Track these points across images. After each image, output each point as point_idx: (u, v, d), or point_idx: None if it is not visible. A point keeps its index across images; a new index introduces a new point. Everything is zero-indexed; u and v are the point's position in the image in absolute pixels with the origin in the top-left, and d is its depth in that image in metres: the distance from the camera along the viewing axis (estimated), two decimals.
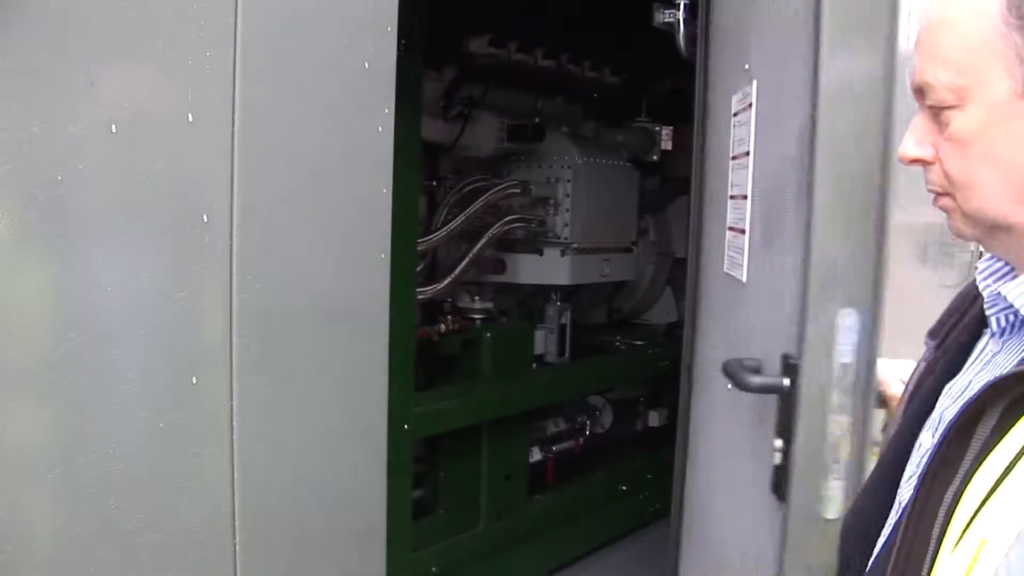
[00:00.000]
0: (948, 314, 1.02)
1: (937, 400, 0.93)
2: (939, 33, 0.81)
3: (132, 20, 1.22)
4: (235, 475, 1.38)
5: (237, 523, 1.39)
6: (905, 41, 1.35)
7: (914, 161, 0.86)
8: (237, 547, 1.39)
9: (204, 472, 1.35)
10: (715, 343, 2.12)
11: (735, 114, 1.90)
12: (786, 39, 1.57)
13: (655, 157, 4.40)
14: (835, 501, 1.41)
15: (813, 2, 1.42)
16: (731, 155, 1.93)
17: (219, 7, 1.30)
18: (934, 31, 0.82)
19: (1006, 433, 0.74)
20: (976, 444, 0.77)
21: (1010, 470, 0.72)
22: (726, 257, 1.95)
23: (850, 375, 1.40)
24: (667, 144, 4.38)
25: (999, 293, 0.85)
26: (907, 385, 1.06)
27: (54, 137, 1.16)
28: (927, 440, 0.91)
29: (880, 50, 1.37)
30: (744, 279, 1.77)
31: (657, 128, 4.39)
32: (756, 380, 1.52)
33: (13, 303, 1.17)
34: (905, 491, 0.92)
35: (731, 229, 1.91)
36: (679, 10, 2.41)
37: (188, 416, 1.32)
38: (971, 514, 0.73)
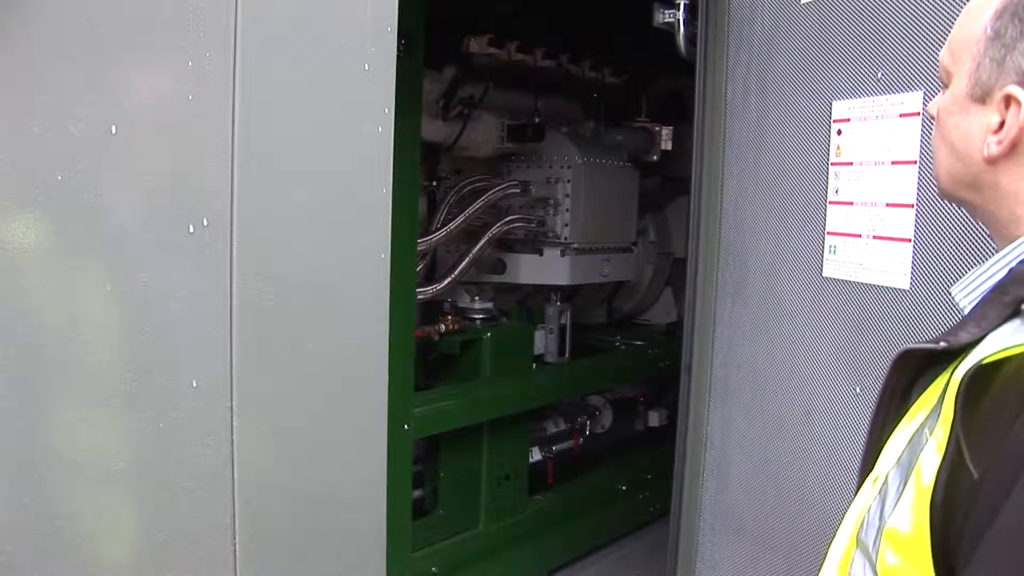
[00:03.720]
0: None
1: None
2: (960, 18, 0.89)
3: (132, 20, 1.22)
4: (235, 475, 1.38)
5: (237, 523, 1.39)
6: None
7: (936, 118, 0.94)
8: (237, 547, 1.39)
9: (204, 472, 1.35)
10: (787, 344, 2.10)
11: (843, 120, 1.93)
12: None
13: (655, 157, 4.40)
14: None
15: None
16: (834, 160, 1.95)
17: (219, 7, 1.30)
18: (962, 15, 0.89)
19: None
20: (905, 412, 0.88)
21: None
22: (831, 261, 1.97)
23: None
24: (667, 144, 4.38)
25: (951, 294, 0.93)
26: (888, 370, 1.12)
27: (54, 137, 1.16)
28: None
29: None
30: (908, 287, 1.78)
31: (657, 128, 4.39)
32: None
33: (13, 303, 1.17)
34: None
35: (841, 234, 1.94)
36: (679, 10, 2.41)
37: (188, 416, 1.32)
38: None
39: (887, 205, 1.84)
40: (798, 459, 2.07)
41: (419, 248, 3.17)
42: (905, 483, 0.77)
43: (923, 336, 1.73)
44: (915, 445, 0.79)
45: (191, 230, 1.31)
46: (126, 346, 1.26)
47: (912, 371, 0.89)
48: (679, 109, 4.19)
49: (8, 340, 1.16)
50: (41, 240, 1.18)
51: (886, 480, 0.81)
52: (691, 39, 2.39)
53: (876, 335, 1.86)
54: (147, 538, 1.30)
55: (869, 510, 0.82)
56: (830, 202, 1.98)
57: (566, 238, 3.80)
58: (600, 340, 4.42)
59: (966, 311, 0.86)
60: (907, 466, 0.78)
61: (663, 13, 2.44)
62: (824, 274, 1.98)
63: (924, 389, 0.85)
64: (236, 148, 1.33)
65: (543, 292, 3.98)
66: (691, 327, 2.40)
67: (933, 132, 0.93)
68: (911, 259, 1.78)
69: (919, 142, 1.77)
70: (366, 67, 1.51)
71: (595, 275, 4.00)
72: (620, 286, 4.60)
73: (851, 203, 1.93)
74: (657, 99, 4.52)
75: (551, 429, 4.10)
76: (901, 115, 1.80)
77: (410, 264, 2.91)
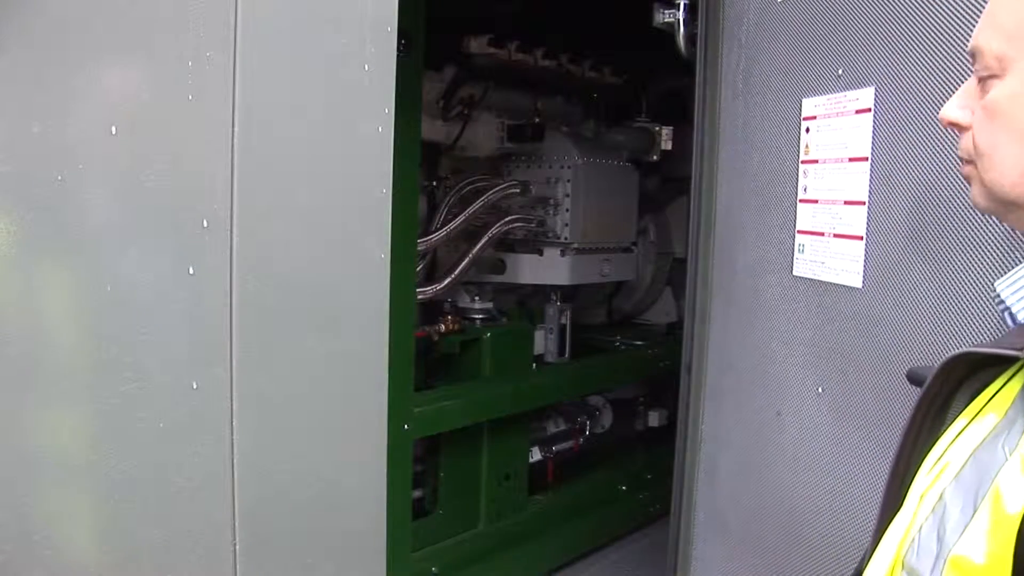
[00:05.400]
0: None
1: None
2: (1002, 1, 0.81)
3: (132, 20, 1.22)
4: (235, 475, 1.38)
5: (237, 523, 1.39)
6: None
7: (951, 124, 0.85)
8: (237, 547, 1.39)
9: (204, 472, 1.35)
10: (762, 344, 2.10)
11: (810, 117, 1.91)
12: (935, 50, 1.55)
13: (655, 157, 4.40)
14: None
15: None
16: (803, 158, 1.92)
17: (219, 7, 1.30)
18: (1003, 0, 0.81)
19: (960, 416, 0.79)
20: (948, 424, 0.82)
21: (954, 441, 0.78)
22: (800, 261, 1.95)
23: None
24: (667, 144, 4.38)
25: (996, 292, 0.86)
26: (930, 377, 1.08)
27: (54, 137, 1.16)
28: None
29: None
30: (861, 285, 1.76)
31: (657, 128, 4.39)
32: None
33: (13, 303, 1.17)
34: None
35: (808, 233, 1.92)
36: (679, 10, 2.41)
37: (188, 416, 1.32)
38: (930, 467, 0.80)
39: (844, 203, 1.83)
40: (771, 459, 2.08)
41: (419, 248, 3.17)
42: (976, 506, 0.69)
43: (877, 338, 1.72)
44: (984, 463, 0.72)
45: (191, 230, 1.31)
46: (126, 347, 1.26)
47: (958, 377, 0.82)
48: (679, 109, 4.19)
49: (7, 340, 1.16)
50: (41, 240, 1.18)
51: (941, 498, 0.74)
52: (691, 39, 2.39)
53: (835, 335, 1.85)
54: (147, 538, 1.30)
55: (921, 531, 0.75)
56: (800, 200, 1.96)
57: (566, 238, 3.80)
58: (600, 340, 4.42)
59: (1019, 313, 0.80)
60: (974, 485, 0.71)
61: (663, 13, 2.44)
62: (794, 273, 1.98)
63: (970, 397, 0.80)
64: (236, 148, 1.33)
65: (543, 292, 3.98)
66: (691, 327, 2.40)
67: (981, 131, 0.82)
68: (863, 257, 1.76)
69: (871, 138, 1.74)
70: (366, 67, 1.51)
71: (595, 275, 4.00)
72: (620, 286, 4.60)
73: (816, 201, 1.91)
74: (657, 99, 4.52)
75: (551, 429, 4.11)
76: (856, 111, 1.79)
77: (410, 264, 2.91)
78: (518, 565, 3.55)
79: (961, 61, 1.50)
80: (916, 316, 1.64)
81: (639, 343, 4.42)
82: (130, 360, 1.27)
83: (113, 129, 1.21)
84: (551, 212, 3.80)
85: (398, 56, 1.58)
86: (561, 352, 3.94)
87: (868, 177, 1.75)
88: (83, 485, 1.23)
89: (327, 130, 1.48)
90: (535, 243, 3.82)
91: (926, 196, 1.61)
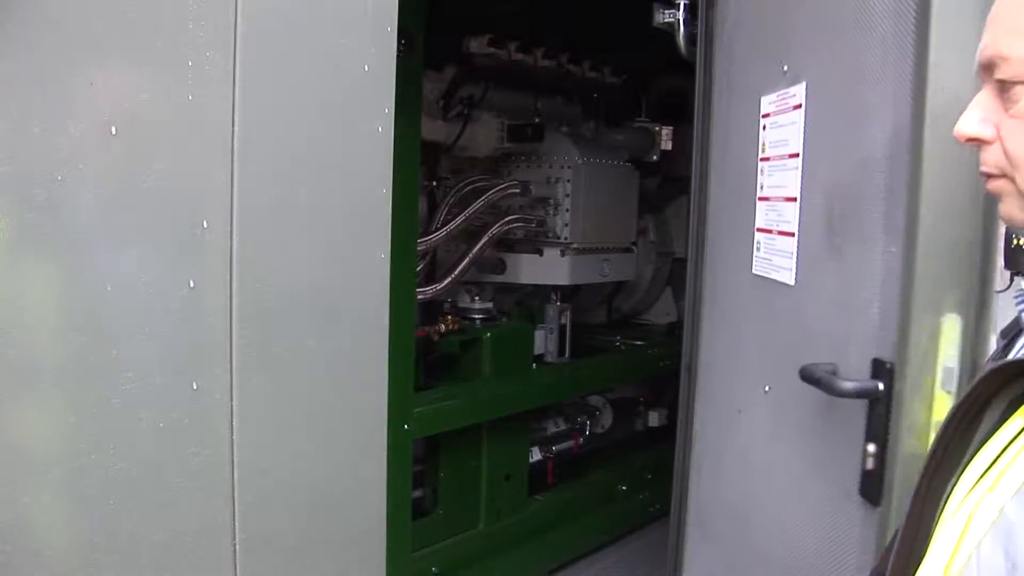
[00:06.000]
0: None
1: None
2: (1021, 5, 0.79)
3: (132, 20, 1.22)
4: (235, 475, 1.38)
5: (237, 523, 1.39)
6: None
7: (971, 140, 0.83)
8: (237, 547, 1.39)
9: (204, 472, 1.35)
10: (734, 343, 2.11)
11: (766, 115, 1.89)
12: (859, 42, 1.55)
13: (655, 157, 4.41)
14: None
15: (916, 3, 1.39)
16: (761, 156, 1.91)
17: (219, 7, 1.30)
18: (1016, 3, 0.79)
19: (1008, 422, 0.75)
20: (981, 433, 0.78)
21: (1004, 451, 0.74)
22: (757, 259, 1.94)
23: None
24: (667, 144, 4.38)
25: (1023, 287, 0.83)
26: (973, 382, 1.05)
27: (54, 137, 1.16)
28: None
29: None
30: (793, 282, 1.75)
31: (657, 128, 4.39)
32: (850, 385, 1.50)
33: (13, 303, 1.17)
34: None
35: (763, 231, 1.90)
36: (679, 10, 2.41)
37: (188, 416, 1.32)
38: (968, 488, 0.74)
39: (784, 199, 1.82)
40: (728, 457, 2.11)
41: (419, 248, 3.17)
42: None
43: (804, 335, 1.72)
44: None
45: (191, 231, 1.31)
46: (126, 347, 1.26)
47: (992, 390, 0.79)
48: (679, 109, 4.19)
49: (7, 340, 1.16)
50: (41, 240, 1.18)
51: (1002, 512, 0.71)
52: (691, 39, 2.39)
53: (778, 333, 1.86)
54: (147, 538, 1.30)
55: (980, 549, 0.71)
56: (758, 198, 1.96)
57: (566, 238, 3.80)
58: (600, 340, 4.42)
59: None
60: None
61: (663, 13, 2.44)
62: (753, 271, 1.98)
63: (1008, 405, 0.76)
64: (236, 148, 1.33)
65: (543, 292, 3.98)
66: (690, 327, 2.40)
67: (1014, 141, 0.80)
68: (795, 253, 1.76)
69: (802, 134, 1.74)
70: (366, 67, 1.52)
71: (595, 275, 4.00)
72: (620, 286, 4.60)
73: (768, 199, 1.91)
74: (657, 99, 4.52)
75: (551, 429, 4.11)
76: (793, 107, 1.79)
77: (410, 264, 2.91)
78: (518, 565, 3.55)
79: (877, 54, 1.50)
80: (827, 313, 1.65)
81: (639, 343, 4.42)
82: (130, 360, 1.27)
83: (113, 129, 1.21)
84: (551, 212, 3.80)
85: (398, 56, 1.58)
86: (561, 352, 3.94)
87: (800, 173, 1.75)
88: (83, 485, 1.23)
89: (327, 130, 1.48)
90: (535, 243, 3.82)
91: (835, 191, 1.63)
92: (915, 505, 0.82)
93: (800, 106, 1.74)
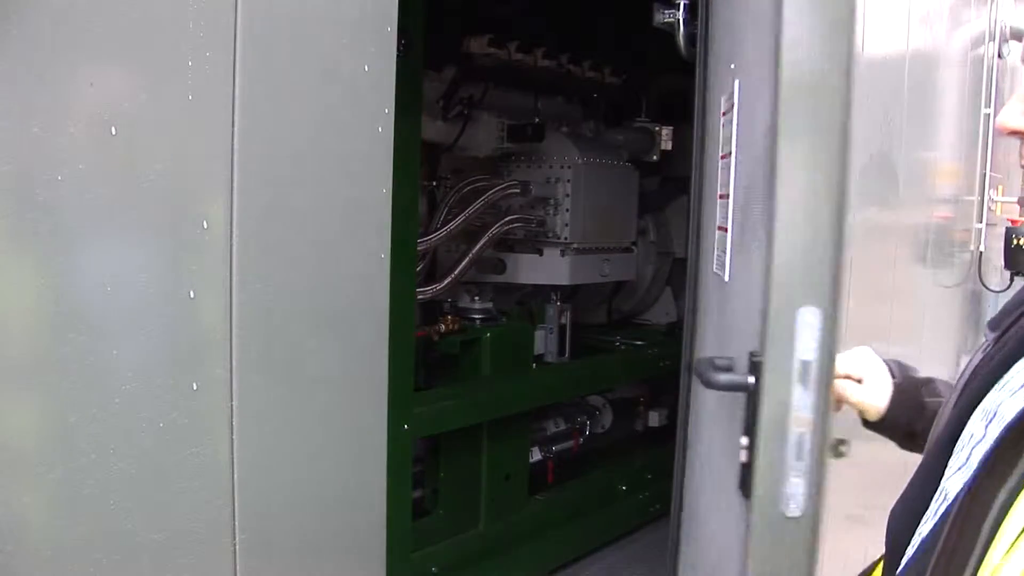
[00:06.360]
0: (1014, 305, 0.99)
1: (990, 391, 0.91)
2: None
3: (132, 20, 1.22)
4: (235, 475, 1.38)
5: (237, 523, 1.39)
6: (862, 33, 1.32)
7: (1013, 132, 0.82)
8: (237, 547, 1.39)
9: (204, 472, 1.35)
10: (708, 342, 2.14)
11: (724, 113, 1.91)
12: (758, 37, 1.56)
13: (655, 157, 4.41)
14: (796, 499, 1.40)
15: None
16: (720, 155, 1.94)
17: (219, 7, 1.30)
18: None
19: None
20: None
21: None
22: (715, 256, 1.97)
23: (811, 372, 1.40)
24: (667, 144, 4.38)
25: None
26: (961, 374, 1.04)
27: (54, 137, 1.16)
28: (978, 430, 0.88)
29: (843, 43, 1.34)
30: (727, 277, 1.78)
31: (657, 128, 4.39)
32: (722, 378, 1.52)
33: (13, 303, 1.17)
34: (954, 480, 0.88)
35: (719, 228, 1.92)
36: (679, 10, 2.41)
37: (188, 416, 1.32)
38: None
39: (719, 196, 1.85)
40: (692, 457, 2.13)
41: (419, 248, 3.17)
42: None
43: (730, 329, 1.73)
44: None
45: (191, 230, 1.31)
46: (126, 347, 1.26)
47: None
48: (679, 109, 4.19)
49: (7, 340, 1.16)
50: (40, 240, 1.18)
51: None
52: (691, 39, 2.39)
53: (720, 329, 1.88)
54: (147, 538, 1.30)
55: None
56: (718, 196, 1.98)
57: (566, 238, 3.80)
58: (600, 340, 4.42)
59: None
60: None
61: (663, 13, 2.44)
62: (713, 270, 2.00)
63: None
64: (236, 148, 1.33)
65: (543, 292, 3.98)
66: (691, 327, 2.40)
67: None
68: (728, 249, 1.78)
69: (734, 131, 1.75)
70: (366, 67, 1.52)
71: (595, 275, 4.01)
72: (620, 286, 4.61)
73: (723, 196, 1.93)
74: (657, 99, 4.52)
75: (551, 429, 4.11)
76: (733, 106, 1.80)
77: (410, 264, 2.91)
78: (518, 565, 3.55)
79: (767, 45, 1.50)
80: (737, 307, 1.67)
81: (639, 343, 4.43)
82: (130, 360, 1.27)
83: (113, 129, 1.21)
84: (551, 212, 3.80)
85: (398, 56, 1.58)
86: (561, 352, 3.95)
87: (732, 171, 1.78)
88: (83, 485, 1.23)
89: (327, 130, 1.48)
90: (535, 243, 3.82)
91: (747, 188, 1.64)
92: (960, 511, 0.79)
93: (733, 105, 1.77)
